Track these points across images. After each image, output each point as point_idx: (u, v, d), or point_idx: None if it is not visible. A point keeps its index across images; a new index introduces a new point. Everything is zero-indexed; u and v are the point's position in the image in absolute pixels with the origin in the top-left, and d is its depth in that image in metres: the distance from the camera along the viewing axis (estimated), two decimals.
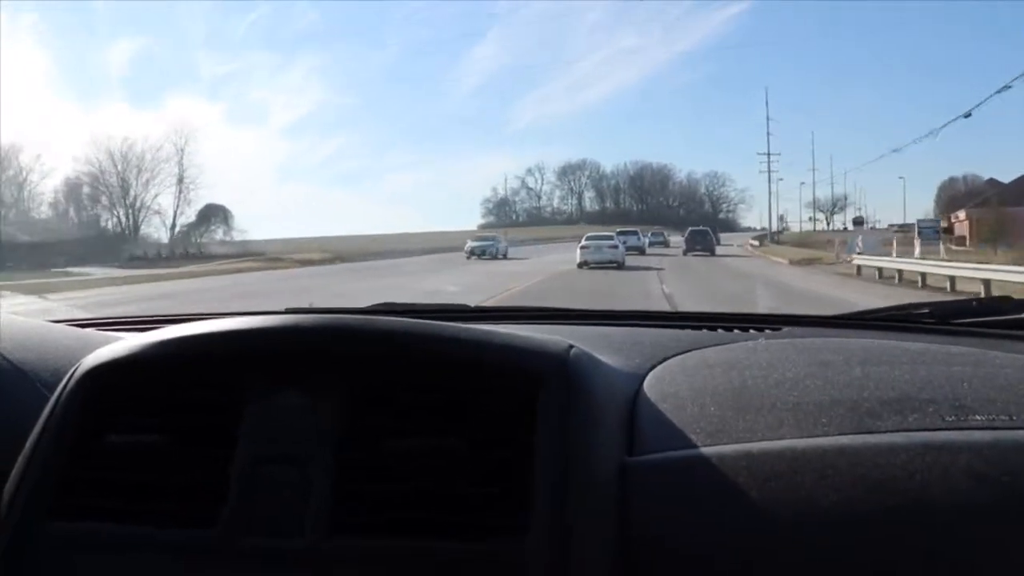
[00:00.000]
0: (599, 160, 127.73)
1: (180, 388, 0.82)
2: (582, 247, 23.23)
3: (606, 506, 0.71)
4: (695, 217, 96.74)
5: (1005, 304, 1.26)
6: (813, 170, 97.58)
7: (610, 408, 0.81)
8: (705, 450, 0.74)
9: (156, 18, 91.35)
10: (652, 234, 43.44)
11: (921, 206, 78.13)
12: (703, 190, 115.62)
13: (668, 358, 0.98)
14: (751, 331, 1.21)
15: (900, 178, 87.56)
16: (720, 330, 1.23)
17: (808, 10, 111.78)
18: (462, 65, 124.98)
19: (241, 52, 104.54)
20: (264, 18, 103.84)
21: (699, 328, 1.24)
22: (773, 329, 1.22)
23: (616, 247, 23.43)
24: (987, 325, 1.21)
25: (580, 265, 21.90)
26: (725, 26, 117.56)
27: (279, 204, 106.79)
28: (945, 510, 0.65)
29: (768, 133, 65.07)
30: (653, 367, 0.95)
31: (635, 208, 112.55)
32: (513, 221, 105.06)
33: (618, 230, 30.61)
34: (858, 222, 57.74)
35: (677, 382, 0.89)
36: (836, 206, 78.37)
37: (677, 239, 41.43)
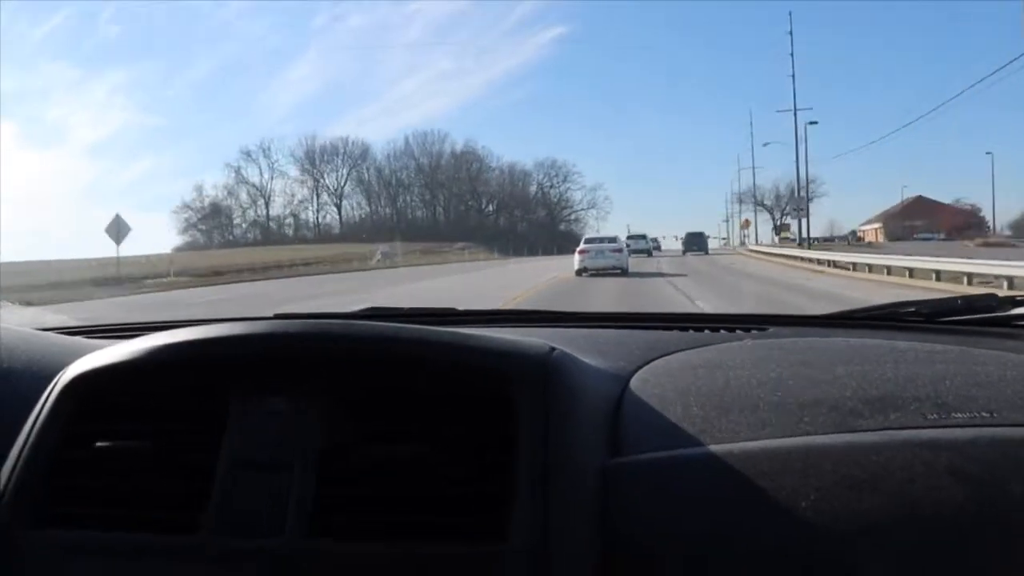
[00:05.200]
0: (368, 140, 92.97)
1: (165, 395, 0.82)
2: (581, 251, 21.85)
3: (587, 507, 0.71)
4: (526, 227, 76.66)
5: (990, 301, 1.27)
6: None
7: (592, 410, 0.81)
8: (688, 451, 0.75)
9: None
10: (630, 238, 36.55)
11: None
12: (536, 189, 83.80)
13: (653, 359, 0.98)
14: (737, 331, 1.21)
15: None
16: (707, 331, 1.23)
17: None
18: (275, 85, 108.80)
19: (36, 66, 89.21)
20: (60, 30, 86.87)
21: (685, 329, 1.24)
22: (759, 329, 1.22)
23: (620, 250, 22.02)
24: (971, 323, 1.22)
25: (579, 272, 20.68)
26: (546, 49, 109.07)
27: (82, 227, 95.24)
28: (927, 507, 0.66)
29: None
30: (638, 369, 0.94)
31: (423, 213, 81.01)
32: (222, 239, 72.89)
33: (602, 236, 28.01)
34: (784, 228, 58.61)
35: (662, 383, 0.89)
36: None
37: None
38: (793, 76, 41.58)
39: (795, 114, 41.30)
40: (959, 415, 0.76)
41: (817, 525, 0.66)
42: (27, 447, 0.80)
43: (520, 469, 0.72)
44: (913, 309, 1.31)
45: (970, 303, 1.27)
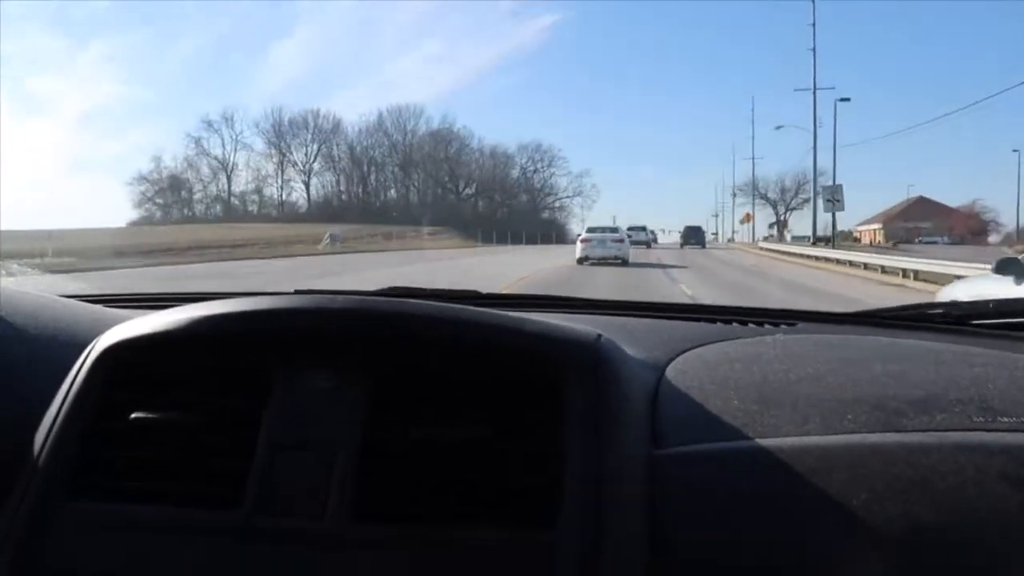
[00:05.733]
0: (341, 115, 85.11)
1: (202, 368, 0.81)
2: (583, 240, 22.21)
3: (635, 498, 0.70)
4: (506, 213, 70.81)
5: (1021, 307, 1.25)
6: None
7: (637, 399, 0.80)
8: (734, 444, 0.74)
9: None
10: (630, 229, 35.93)
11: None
12: (518, 173, 78.68)
13: (686, 350, 0.97)
14: (766, 325, 1.19)
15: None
16: (735, 324, 1.21)
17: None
18: (267, 63, 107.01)
19: (23, 33, 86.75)
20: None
21: (713, 321, 1.22)
22: (788, 324, 1.21)
23: (621, 240, 22.24)
24: (1004, 327, 1.21)
25: (580, 260, 21.00)
26: (541, 35, 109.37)
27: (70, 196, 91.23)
28: (980, 512, 0.65)
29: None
30: (672, 359, 0.93)
31: (395, 194, 76.00)
32: (181, 215, 68.61)
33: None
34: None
35: (699, 375, 0.88)
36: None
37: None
38: (814, 49, 36.79)
39: (814, 93, 36.30)
40: (1005, 419, 0.75)
41: (868, 526, 0.65)
42: (61, 416, 0.79)
43: (570, 457, 0.71)
44: (942, 311, 1.30)
45: (1000, 308, 1.26)
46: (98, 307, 1.17)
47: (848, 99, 43.07)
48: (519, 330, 0.78)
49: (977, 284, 5.61)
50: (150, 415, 0.77)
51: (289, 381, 0.76)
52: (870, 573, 0.64)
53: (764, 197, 70.61)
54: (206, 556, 0.71)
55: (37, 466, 0.76)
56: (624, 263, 21.17)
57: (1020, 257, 5.13)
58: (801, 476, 0.68)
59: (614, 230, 23.76)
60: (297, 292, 1.14)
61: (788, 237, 67.75)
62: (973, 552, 0.64)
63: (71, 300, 1.14)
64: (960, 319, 1.24)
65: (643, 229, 39.99)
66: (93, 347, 0.83)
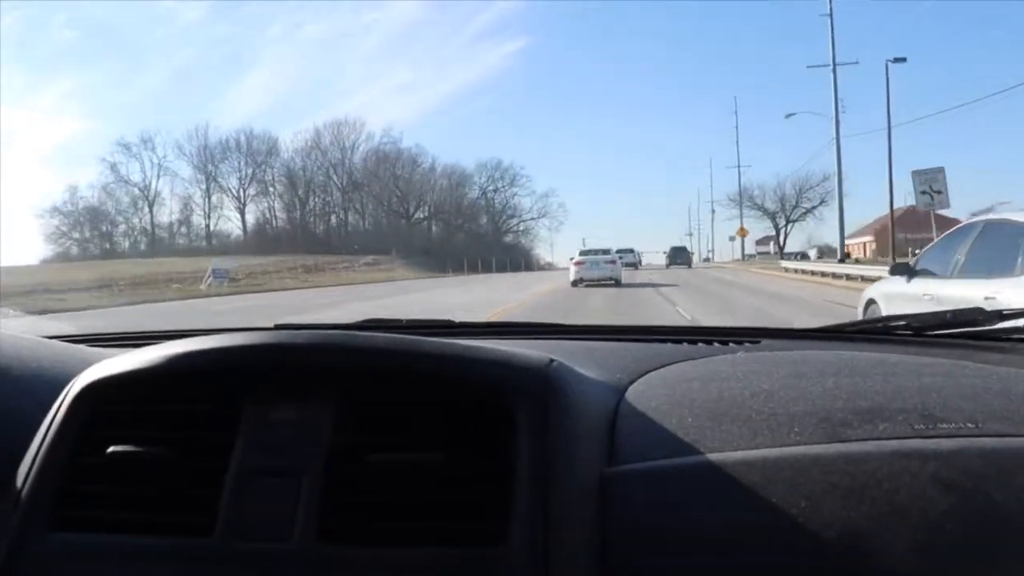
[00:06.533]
0: (276, 134, 73.96)
1: (176, 402, 0.84)
2: (576, 263, 22.75)
3: (585, 515, 0.73)
4: (464, 238, 63.69)
5: (978, 316, 1.29)
6: None
7: (590, 420, 0.82)
8: (682, 460, 0.77)
9: None
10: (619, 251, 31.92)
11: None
12: (478, 194, 71.05)
13: (649, 371, 1.00)
14: (731, 344, 1.22)
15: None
16: (700, 344, 1.23)
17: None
18: (230, 94, 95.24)
19: None
20: (10, 32, 72.00)
21: (680, 342, 1.25)
22: (752, 342, 1.23)
23: (614, 262, 22.70)
24: (960, 336, 1.25)
25: (574, 283, 21.51)
26: (504, 61, 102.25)
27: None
28: (913, 516, 0.67)
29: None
30: (633, 380, 0.97)
31: (336, 220, 67.47)
32: (100, 250, 59.58)
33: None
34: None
35: (657, 395, 0.91)
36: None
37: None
38: (831, 14, 30.18)
39: (834, 69, 29.46)
40: (945, 426, 0.78)
41: (807, 532, 0.68)
42: (41, 452, 0.82)
43: (520, 477, 0.74)
44: (904, 323, 1.33)
45: (958, 317, 1.29)
46: (79, 347, 1.20)
47: (904, 59, 30.43)
48: (472, 359, 0.82)
49: (887, 284, 6.33)
50: (127, 449, 0.80)
51: (257, 413, 0.80)
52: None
53: (760, 208, 62.57)
54: None
55: (20, 499, 0.79)
56: (617, 284, 21.44)
57: (910, 261, 6.44)
58: (745, 488, 0.71)
59: (606, 252, 23.94)
60: (277, 327, 1.19)
61: (768, 251, 61.30)
62: (908, 554, 0.66)
63: (52, 340, 1.18)
64: (919, 330, 1.27)
65: (630, 251, 40.66)
66: (72, 385, 0.86)
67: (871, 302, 6.34)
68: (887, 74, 26.78)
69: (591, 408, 0.84)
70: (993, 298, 4.07)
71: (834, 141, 29.56)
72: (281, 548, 0.73)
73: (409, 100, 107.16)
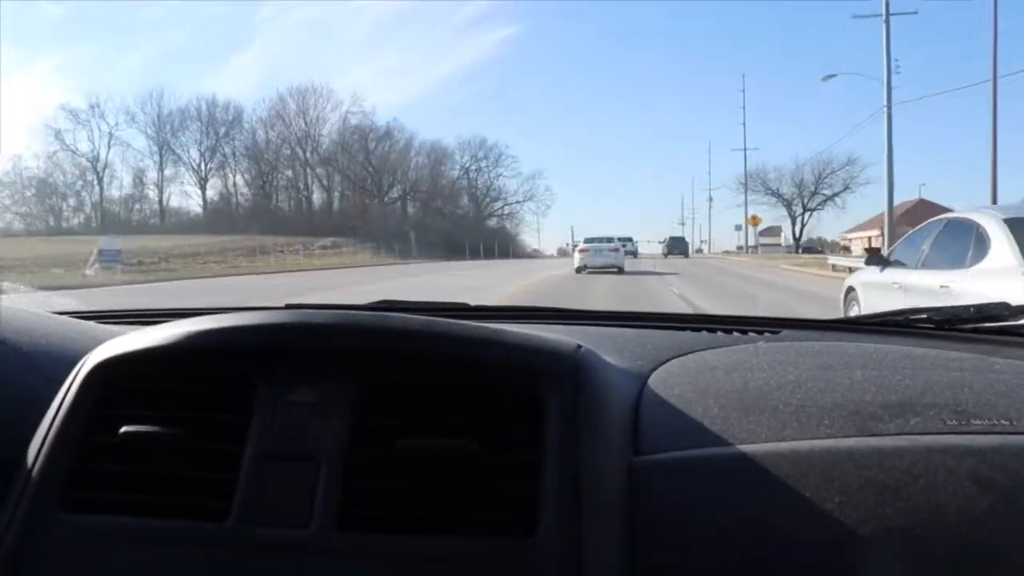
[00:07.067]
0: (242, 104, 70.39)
1: (191, 382, 0.82)
2: (580, 250, 23.33)
3: (615, 505, 0.72)
4: (443, 221, 59.09)
5: (1002, 311, 1.28)
6: None
7: (617, 408, 0.81)
8: (710, 450, 0.75)
9: None
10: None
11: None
12: (459, 173, 66.34)
13: (669, 359, 0.98)
14: (750, 333, 1.21)
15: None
16: (719, 332, 1.22)
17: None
18: (217, 77, 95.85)
19: None
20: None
21: (698, 330, 1.24)
22: (772, 332, 1.22)
23: (617, 250, 23.43)
24: (985, 331, 1.23)
25: (578, 270, 22.05)
26: (496, 48, 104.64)
27: None
28: (951, 514, 0.66)
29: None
30: (655, 368, 0.95)
31: (301, 198, 61.45)
32: (47, 226, 54.05)
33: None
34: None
35: (680, 383, 0.89)
36: None
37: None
38: None
39: (887, 19, 23.54)
40: (978, 422, 0.76)
41: (842, 528, 0.67)
42: (53, 431, 0.80)
43: (548, 466, 0.73)
44: (925, 316, 1.32)
45: (982, 312, 1.28)
46: (89, 323, 1.18)
47: None
48: (499, 342, 0.80)
49: (864, 273, 6.79)
50: (140, 429, 0.79)
51: (274, 393, 0.78)
52: (842, 574, 0.66)
53: (775, 193, 58.27)
54: (196, 566, 0.73)
55: (30, 479, 0.78)
56: (620, 271, 22.12)
57: (884, 252, 6.88)
58: (777, 480, 0.70)
59: (610, 240, 24.92)
60: (288, 306, 1.18)
61: (774, 243, 58.72)
62: (945, 553, 0.65)
63: (63, 316, 1.16)
64: (941, 324, 1.26)
65: (629, 240, 41.55)
66: (84, 363, 0.84)
67: (851, 290, 6.91)
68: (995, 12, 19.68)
69: (617, 396, 0.83)
70: (947, 287, 4.68)
71: (883, 110, 24.16)
72: (299, 535, 0.72)
73: (398, 84, 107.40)
